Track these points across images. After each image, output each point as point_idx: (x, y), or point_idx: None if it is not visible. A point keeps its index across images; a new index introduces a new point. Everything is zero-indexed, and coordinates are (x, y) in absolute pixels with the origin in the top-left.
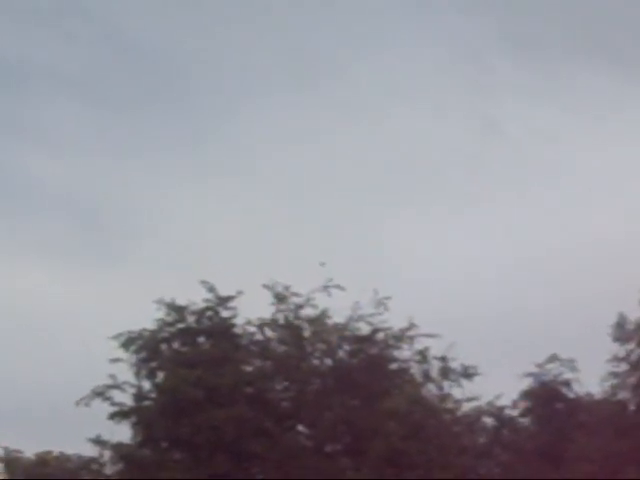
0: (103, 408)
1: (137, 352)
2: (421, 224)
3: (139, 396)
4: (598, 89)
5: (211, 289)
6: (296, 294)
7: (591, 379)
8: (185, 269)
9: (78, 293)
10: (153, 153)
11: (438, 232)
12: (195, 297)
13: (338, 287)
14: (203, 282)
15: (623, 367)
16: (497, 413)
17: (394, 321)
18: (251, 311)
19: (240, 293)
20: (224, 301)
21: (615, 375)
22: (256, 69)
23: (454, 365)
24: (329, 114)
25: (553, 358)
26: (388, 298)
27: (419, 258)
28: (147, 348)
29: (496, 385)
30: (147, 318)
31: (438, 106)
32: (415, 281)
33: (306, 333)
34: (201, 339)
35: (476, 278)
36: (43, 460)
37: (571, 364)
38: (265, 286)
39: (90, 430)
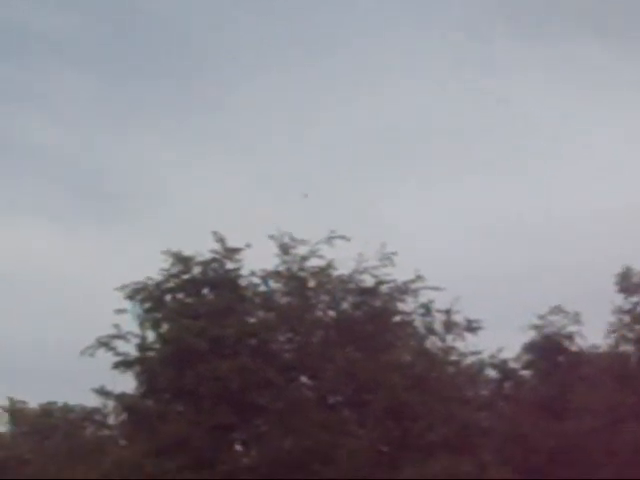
0: (107, 359)
1: (141, 302)
2: (425, 190)
3: (143, 346)
4: (597, 65)
5: (220, 240)
6: (303, 241)
7: (596, 332)
8: (191, 223)
9: (86, 249)
10: (155, 117)
11: (442, 197)
12: (202, 249)
13: (342, 238)
14: (214, 233)
15: (627, 319)
16: (500, 365)
17: (398, 275)
18: (257, 263)
19: (248, 245)
20: (231, 253)
21: (619, 327)
22: (260, 43)
23: (458, 319)
24: (331, 87)
25: (557, 310)
26: (394, 253)
27: (424, 221)
28: (151, 299)
29: (500, 339)
30: (154, 270)
31: (438, 80)
32: (420, 242)
33: (310, 284)
34: (206, 290)
35: (483, 238)
36: (47, 411)
37: (575, 317)
38: (271, 237)
39: (94, 381)
